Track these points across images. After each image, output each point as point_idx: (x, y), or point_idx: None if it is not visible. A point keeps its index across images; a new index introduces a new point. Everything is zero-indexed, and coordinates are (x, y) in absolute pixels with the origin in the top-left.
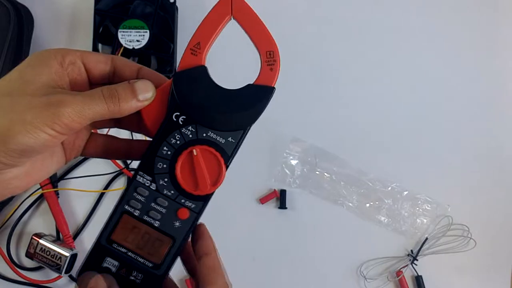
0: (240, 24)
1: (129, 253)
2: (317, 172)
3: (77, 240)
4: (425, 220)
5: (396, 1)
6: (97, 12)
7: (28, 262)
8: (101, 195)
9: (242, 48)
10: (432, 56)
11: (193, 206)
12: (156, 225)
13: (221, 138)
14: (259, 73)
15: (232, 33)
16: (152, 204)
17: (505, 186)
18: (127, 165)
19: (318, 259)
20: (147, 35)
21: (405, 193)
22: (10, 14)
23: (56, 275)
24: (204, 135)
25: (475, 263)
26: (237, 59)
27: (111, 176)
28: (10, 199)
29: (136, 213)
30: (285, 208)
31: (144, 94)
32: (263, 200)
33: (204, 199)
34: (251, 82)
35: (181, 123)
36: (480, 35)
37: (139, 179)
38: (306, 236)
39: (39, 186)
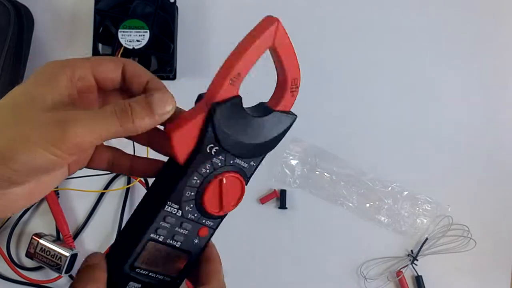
0: (276, 53)
1: (150, 274)
2: (317, 172)
3: (77, 240)
4: (425, 220)
5: (396, 1)
6: (97, 12)
7: (28, 262)
8: (101, 195)
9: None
10: (432, 56)
11: (212, 224)
12: (178, 245)
13: (245, 163)
14: (282, 98)
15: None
16: (177, 229)
17: (505, 186)
18: None
19: (318, 259)
20: (147, 35)
21: (405, 193)
22: (10, 14)
23: (56, 275)
24: (231, 162)
25: (475, 263)
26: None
27: (111, 176)
28: None
29: (161, 238)
30: (285, 208)
31: (162, 108)
32: (263, 200)
33: (222, 217)
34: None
35: (213, 153)
36: (481, 34)
37: (168, 208)
38: (306, 236)
39: None
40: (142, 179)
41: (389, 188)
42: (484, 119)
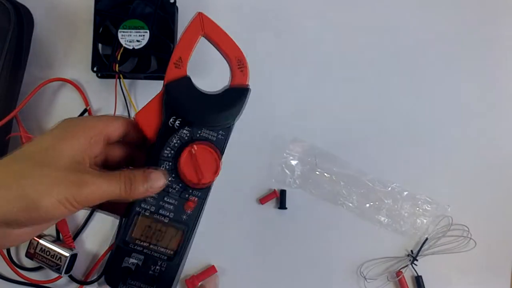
0: (210, 39)
1: (145, 250)
2: (317, 173)
3: (77, 240)
4: (425, 221)
5: (401, 4)
6: (97, 12)
7: (28, 262)
8: None
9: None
10: (432, 56)
11: (199, 194)
12: (167, 220)
13: (212, 134)
14: (234, 76)
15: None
16: (162, 202)
17: (505, 186)
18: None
19: (318, 259)
20: (147, 35)
21: (405, 193)
22: (10, 14)
23: (56, 275)
24: (198, 134)
25: (475, 263)
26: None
27: None
28: None
29: (148, 212)
30: (285, 208)
31: (156, 183)
32: (263, 200)
33: (207, 188)
34: (226, 84)
35: (176, 126)
36: (481, 36)
37: None
38: (306, 236)
39: None
40: None
41: (389, 188)
42: (485, 119)
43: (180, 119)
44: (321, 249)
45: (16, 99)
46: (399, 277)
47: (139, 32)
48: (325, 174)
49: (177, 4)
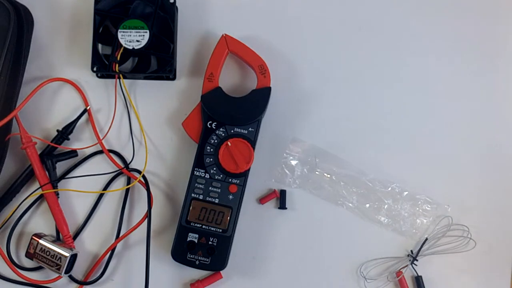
0: (235, 54)
1: (203, 226)
2: (317, 173)
3: (77, 240)
4: (425, 221)
5: (403, 5)
6: (97, 12)
7: (28, 262)
8: (101, 195)
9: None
10: (432, 55)
11: (238, 181)
12: (217, 201)
13: (244, 130)
14: (257, 81)
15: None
16: (210, 188)
17: (505, 186)
18: (127, 165)
19: (318, 259)
20: (147, 35)
21: (405, 193)
22: (10, 14)
23: (56, 275)
24: (232, 131)
25: (475, 263)
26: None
27: (111, 176)
28: (10, 199)
29: (200, 197)
30: (285, 208)
31: None
32: (263, 200)
33: (244, 175)
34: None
35: (214, 128)
36: (482, 35)
37: (196, 173)
38: (306, 236)
39: (39, 186)
40: (142, 179)
41: (389, 189)
42: (485, 120)
43: (215, 122)
44: (321, 249)
45: (16, 99)
46: (399, 277)
47: (139, 32)
48: (325, 174)
49: (177, 4)
